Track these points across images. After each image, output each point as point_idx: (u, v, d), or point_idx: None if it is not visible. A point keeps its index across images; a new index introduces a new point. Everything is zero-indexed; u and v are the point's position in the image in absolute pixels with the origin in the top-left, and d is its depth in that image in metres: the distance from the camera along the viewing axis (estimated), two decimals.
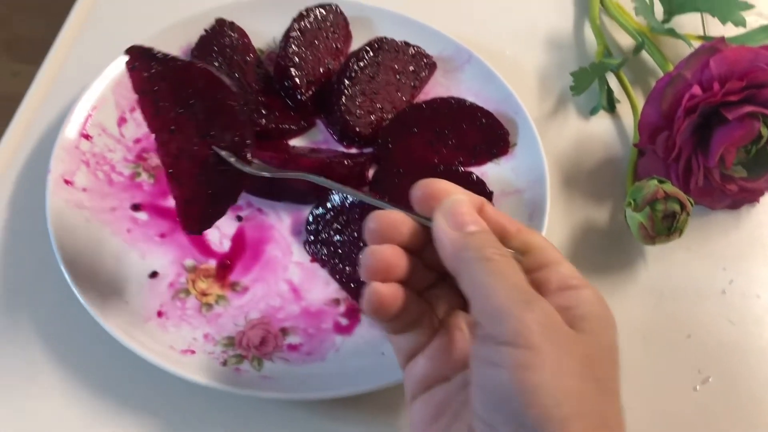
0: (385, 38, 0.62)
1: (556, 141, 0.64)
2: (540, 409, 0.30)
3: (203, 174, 0.46)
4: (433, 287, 0.39)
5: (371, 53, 0.61)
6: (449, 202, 0.37)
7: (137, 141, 0.58)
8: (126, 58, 0.45)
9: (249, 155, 0.46)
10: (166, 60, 0.46)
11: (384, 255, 0.37)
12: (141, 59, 0.46)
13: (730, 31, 0.66)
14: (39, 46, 0.68)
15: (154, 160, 0.58)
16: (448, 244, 0.36)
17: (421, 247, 0.38)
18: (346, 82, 0.59)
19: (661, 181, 0.55)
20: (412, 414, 0.38)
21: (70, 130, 0.56)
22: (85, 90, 0.58)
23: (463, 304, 0.37)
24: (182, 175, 0.46)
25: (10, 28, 1.75)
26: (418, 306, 0.38)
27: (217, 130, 0.46)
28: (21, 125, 0.60)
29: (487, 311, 0.33)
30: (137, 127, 0.59)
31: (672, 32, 0.66)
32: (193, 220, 0.46)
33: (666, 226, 0.54)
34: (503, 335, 0.32)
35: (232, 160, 0.46)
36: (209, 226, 0.47)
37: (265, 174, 0.47)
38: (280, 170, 0.48)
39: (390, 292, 0.36)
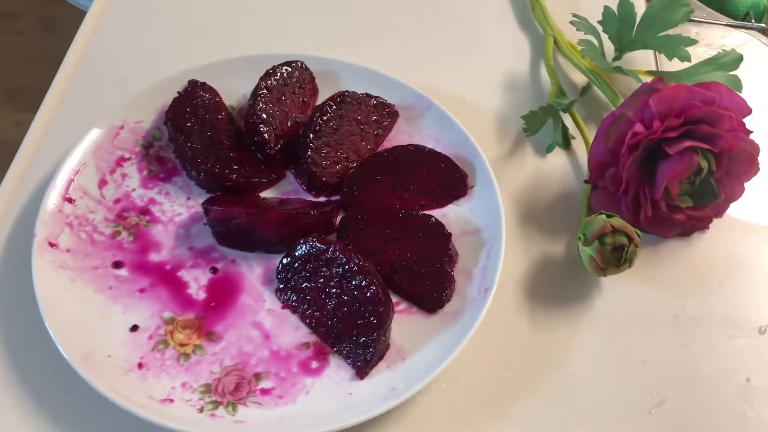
0: (347, 92, 0.66)
1: (514, 179, 0.67)
2: None
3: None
4: None
5: (334, 107, 0.65)
6: None
7: (117, 201, 0.62)
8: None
9: None
10: None
11: None
12: None
13: (678, 65, 0.70)
14: (39, 96, 0.71)
15: (134, 218, 0.61)
16: None
17: None
18: (311, 135, 0.63)
19: (609, 216, 0.58)
20: None
21: (54, 196, 0.60)
22: (66, 156, 0.62)
23: None
24: None
25: (10, 79, 1.81)
26: None
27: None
28: (7, 192, 0.64)
29: None
30: (117, 188, 0.63)
31: (620, 70, 0.70)
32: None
33: (615, 258, 0.57)
34: None
35: None
36: None
37: None
38: None
39: None
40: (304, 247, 0.57)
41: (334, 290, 0.55)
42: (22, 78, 1.81)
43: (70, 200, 0.60)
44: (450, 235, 0.59)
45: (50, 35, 1.92)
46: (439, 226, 0.60)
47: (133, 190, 0.63)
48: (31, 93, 0.74)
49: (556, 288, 0.60)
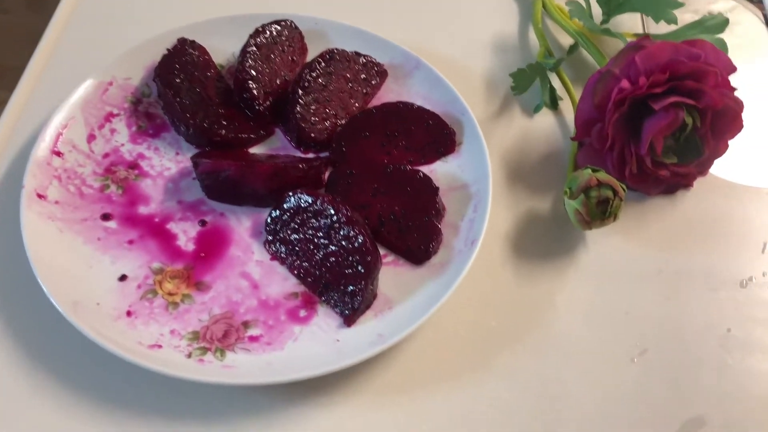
0: (336, 49, 0.66)
1: (502, 138, 0.68)
2: None
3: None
4: None
5: (323, 64, 0.65)
6: None
7: (106, 156, 0.62)
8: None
9: None
10: None
11: None
12: None
13: (665, 28, 0.70)
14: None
15: (122, 172, 0.61)
16: None
17: None
18: (300, 91, 0.63)
19: (594, 170, 0.59)
20: None
21: (42, 149, 0.60)
22: (55, 110, 0.62)
23: None
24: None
25: None
26: None
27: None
28: None
29: None
30: (106, 142, 0.63)
31: (608, 32, 0.70)
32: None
33: (600, 211, 0.58)
34: None
35: None
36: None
37: None
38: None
39: None
40: (292, 199, 0.57)
41: (322, 241, 0.55)
42: (7, 57, 1.79)
43: (58, 153, 0.60)
44: (437, 189, 0.60)
45: (37, 14, 1.91)
46: (426, 180, 0.60)
47: (122, 145, 0.63)
48: (17, 72, 0.74)
49: (541, 242, 0.61)
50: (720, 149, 0.62)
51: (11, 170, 0.62)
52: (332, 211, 0.55)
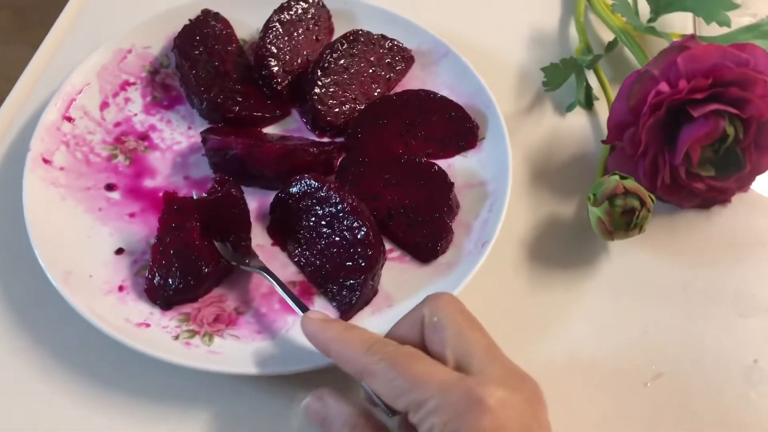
0: (361, 31, 0.63)
1: (529, 136, 0.64)
2: None
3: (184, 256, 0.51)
4: None
5: (346, 45, 0.62)
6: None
7: (117, 124, 0.61)
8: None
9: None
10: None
11: None
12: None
13: (717, 30, 0.65)
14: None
15: (132, 143, 0.60)
16: None
17: None
18: (319, 72, 0.61)
19: (622, 177, 0.55)
20: None
21: (53, 113, 0.58)
22: (70, 75, 0.60)
23: None
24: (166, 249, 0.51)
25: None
26: None
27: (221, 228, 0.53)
28: (12, 108, 0.63)
29: None
30: (119, 111, 0.61)
31: (653, 31, 0.66)
32: (157, 291, 0.51)
33: (625, 222, 0.54)
34: None
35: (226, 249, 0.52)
36: (168, 305, 0.51)
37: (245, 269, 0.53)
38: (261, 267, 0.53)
39: None
40: (298, 184, 0.54)
41: (325, 230, 0.53)
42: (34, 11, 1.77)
43: (69, 119, 0.59)
44: (452, 184, 0.56)
45: None
46: (441, 174, 0.57)
47: (135, 115, 0.62)
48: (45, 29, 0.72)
49: (560, 249, 0.57)
50: (763, 164, 0.57)
51: (24, 133, 0.61)
52: (337, 200, 0.53)
